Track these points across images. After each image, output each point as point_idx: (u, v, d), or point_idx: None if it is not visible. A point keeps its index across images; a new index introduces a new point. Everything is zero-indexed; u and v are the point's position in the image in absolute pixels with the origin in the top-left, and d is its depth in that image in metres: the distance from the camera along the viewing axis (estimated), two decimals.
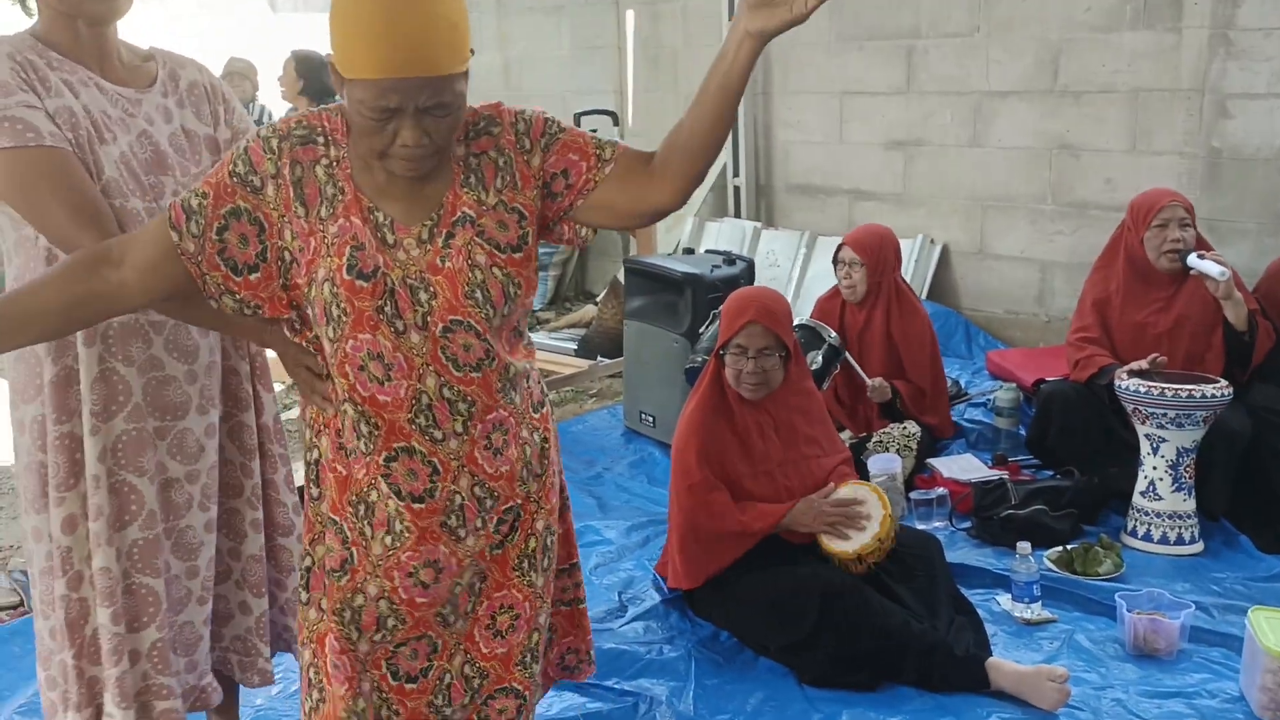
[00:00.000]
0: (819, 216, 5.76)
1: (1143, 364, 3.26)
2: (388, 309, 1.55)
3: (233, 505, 2.04)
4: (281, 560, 2.13)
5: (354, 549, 1.66)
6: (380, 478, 1.63)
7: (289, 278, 1.59)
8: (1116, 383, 3.26)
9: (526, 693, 1.78)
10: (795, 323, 3.80)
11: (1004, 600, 2.97)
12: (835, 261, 3.93)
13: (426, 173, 1.56)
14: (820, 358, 3.64)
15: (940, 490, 3.49)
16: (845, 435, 3.69)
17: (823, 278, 5.30)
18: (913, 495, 3.49)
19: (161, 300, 1.65)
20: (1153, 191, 3.56)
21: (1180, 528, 3.22)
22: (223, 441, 2.00)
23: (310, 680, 1.71)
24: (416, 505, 1.63)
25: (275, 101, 6.59)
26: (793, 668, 2.66)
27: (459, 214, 1.59)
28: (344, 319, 1.56)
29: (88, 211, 1.70)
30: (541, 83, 7.08)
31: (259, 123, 6.60)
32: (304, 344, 1.67)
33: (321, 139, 1.58)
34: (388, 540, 1.65)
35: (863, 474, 3.34)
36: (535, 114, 1.65)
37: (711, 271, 4.07)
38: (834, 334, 3.70)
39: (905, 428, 3.72)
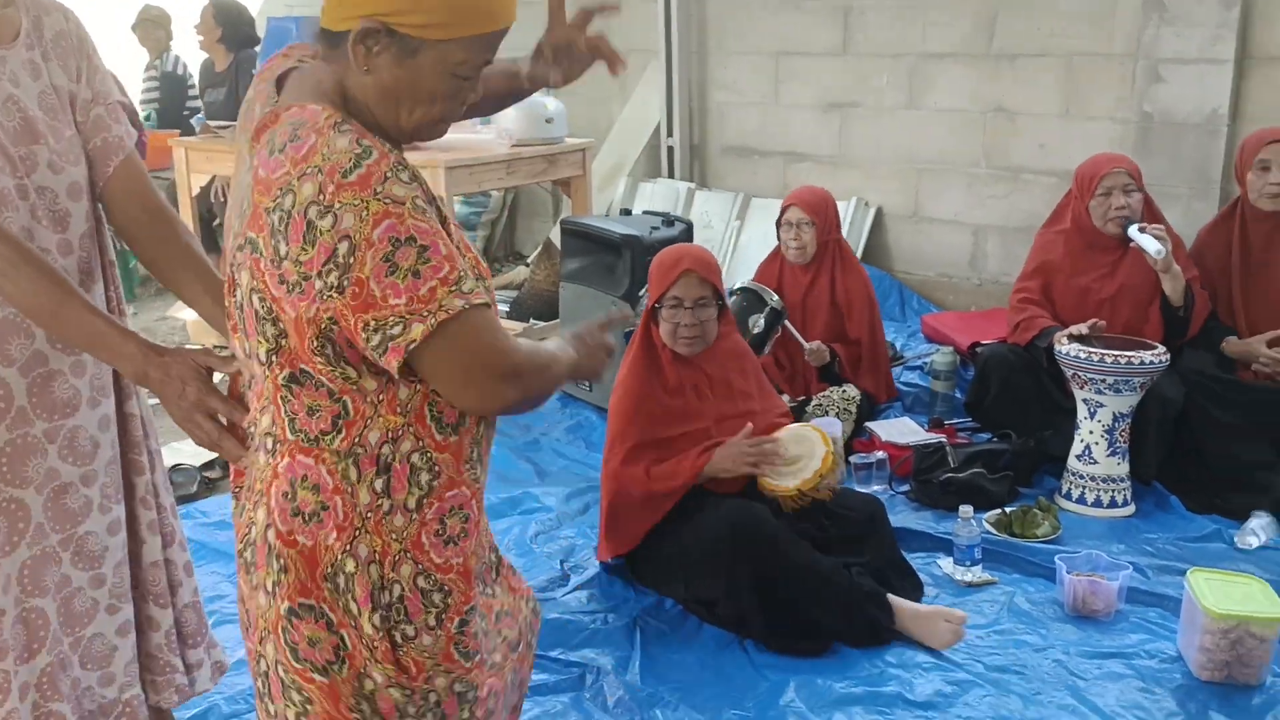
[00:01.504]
0: (753, 178, 5.72)
1: (1082, 328, 3.28)
2: None
3: (128, 507, 1.85)
4: (170, 574, 1.93)
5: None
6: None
7: None
8: (1056, 348, 3.28)
9: None
10: (737, 285, 3.79)
11: (945, 564, 2.98)
12: (780, 224, 3.89)
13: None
14: (763, 321, 3.61)
15: (880, 454, 3.50)
16: (784, 399, 3.67)
17: (758, 240, 5.29)
18: (852, 459, 3.49)
19: None
20: (1098, 158, 3.58)
21: (1114, 491, 3.27)
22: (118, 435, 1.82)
23: None
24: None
25: (191, 51, 6.34)
26: (730, 624, 2.65)
27: None
28: None
29: None
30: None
31: (173, 74, 6.42)
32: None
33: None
34: None
35: None
36: None
37: (650, 233, 4.01)
38: (776, 297, 3.67)
39: (844, 391, 3.72)
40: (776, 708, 2.39)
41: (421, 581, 1.38)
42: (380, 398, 1.33)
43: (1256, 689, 2.41)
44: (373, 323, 1.24)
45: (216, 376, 1.54)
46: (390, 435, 1.34)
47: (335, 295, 1.24)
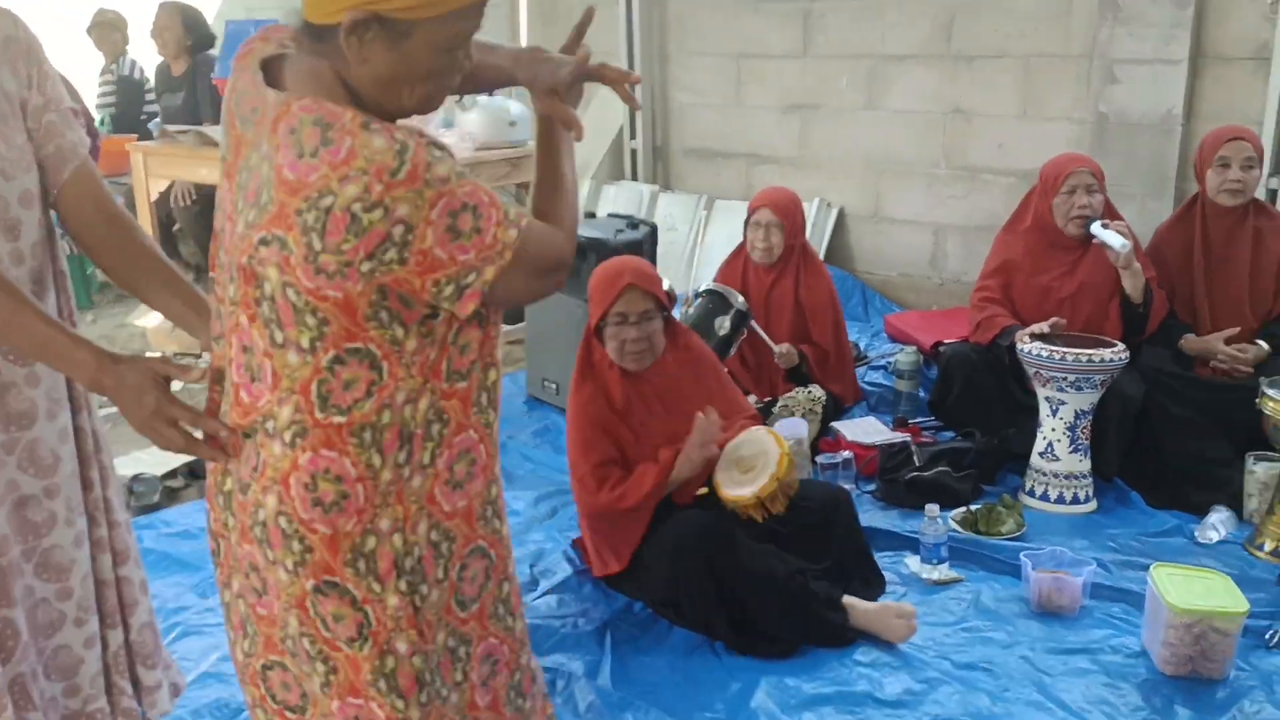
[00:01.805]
0: (716, 180, 5.74)
1: (1043, 327, 3.32)
2: None
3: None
4: (124, 592, 1.87)
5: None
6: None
7: None
8: (1018, 346, 3.32)
9: None
10: (702, 288, 3.80)
11: (912, 562, 3.00)
12: (749, 224, 3.89)
13: None
14: (729, 323, 3.61)
15: (845, 454, 3.51)
16: (750, 399, 3.68)
17: (722, 241, 5.30)
18: (818, 459, 3.50)
19: None
20: (1063, 157, 3.62)
21: (1076, 487, 3.31)
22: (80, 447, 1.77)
23: None
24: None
25: (147, 55, 6.26)
26: (703, 631, 2.65)
27: None
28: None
29: None
30: None
31: (130, 78, 6.34)
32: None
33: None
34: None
35: None
36: None
37: (615, 236, 4.00)
38: (741, 298, 3.68)
39: (810, 392, 3.73)
40: (747, 709, 2.40)
41: (434, 534, 1.46)
42: (414, 359, 1.39)
43: (1220, 683, 2.44)
44: (443, 279, 1.33)
45: (176, 385, 1.52)
46: (412, 395, 1.40)
47: (396, 267, 1.30)
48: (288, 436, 1.38)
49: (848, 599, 2.67)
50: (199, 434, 1.48)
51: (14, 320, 1.53)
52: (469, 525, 1.50)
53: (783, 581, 2.59)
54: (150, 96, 6.35)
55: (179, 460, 3.70)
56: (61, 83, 1.78)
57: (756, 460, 2.68)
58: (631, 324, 2.71)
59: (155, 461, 3.67)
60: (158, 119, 6.09)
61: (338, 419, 1.37)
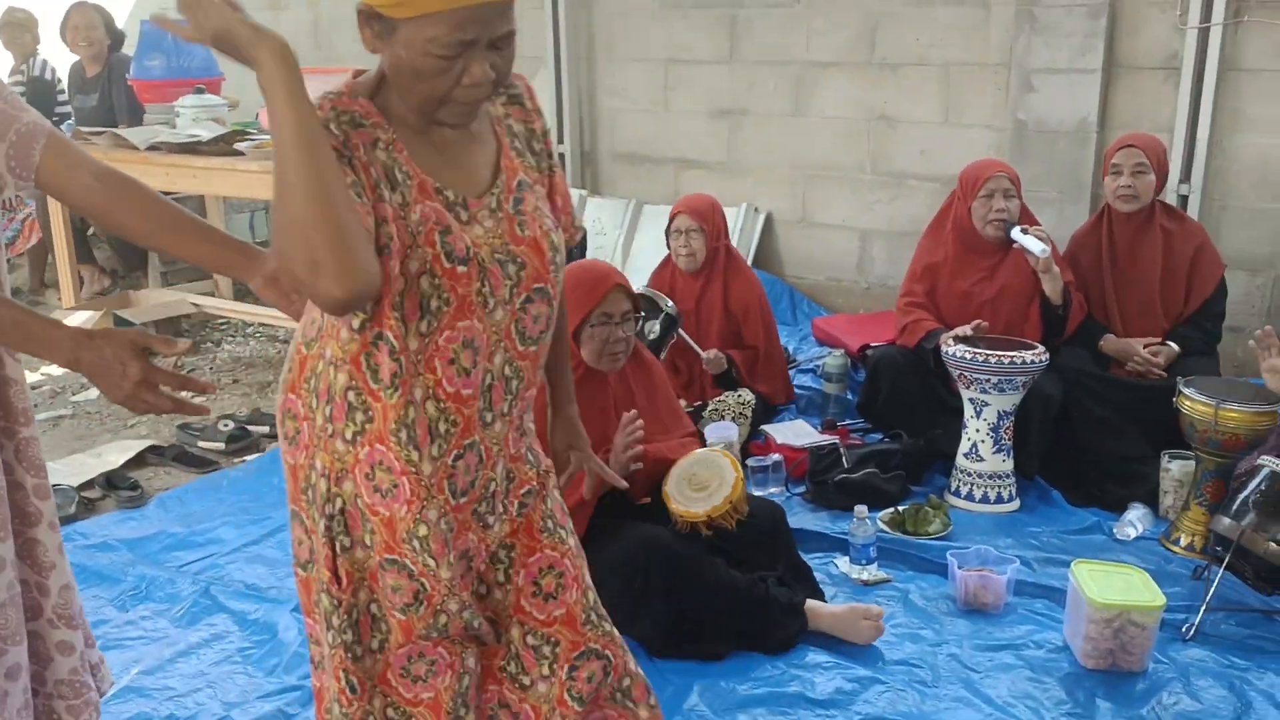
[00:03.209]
0: (645, 185, 5.75)
1: (966, 329, 3.39)
2: (485, 289, 1.46)
3: (30, 535, 1.77)
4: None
5: (424, 580, 1.52)
6: (446, 480, 1.50)
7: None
8: (943, 348, 3.37)
9: (609, 653, 1.67)
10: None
11: (842, 563, 3.04)
12: (670, 232, 3.91)
13: (470, 124, 1.47)
14: (658, 327, 3.63)
15: (775, 457, 3.55)
16: (680, 404, 3.69)
17: (650, 247, 5.31)
18: (749, 462, 3.52)
19: None
20: (982, 162, 3.70)
21: (1000, 487, 3.37)
22: (9, 462, 1.72)
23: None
24: (459, 500, 1.53)
25: (60, 56, 6.10)
26: (640, 640, 2.64)
27: (518, 178, 1.53)
28: (444, 309, 1.43)
29: None
30: (352, 44, 6.76)
31: (41, 79, 6.16)
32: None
33: (366, 121, 1.42)
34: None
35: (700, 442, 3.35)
36: (544, 121, 1.62)
37: None
38: (671, 303, 3.70)
39: (740, 395, 3.76)
40: (681, 711, 2.40)
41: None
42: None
43: (1140, 675, 2.51)
44: None
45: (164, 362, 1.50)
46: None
47: None
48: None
49: (811, 603, 2.68)
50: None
51: None
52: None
53: (745, 588, 2.61)
54: (63, 98, 6.18)
55: (95, 471, 3.61)
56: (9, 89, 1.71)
57: (711, 480, 2.70)
58: (616, 324, 2.72)
59: (71, 472, 3.57)
60: (70, 120, 5.94)
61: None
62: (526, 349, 1.54)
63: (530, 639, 1.65)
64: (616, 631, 1.71)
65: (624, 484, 1.77)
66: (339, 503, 1.51)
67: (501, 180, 1.51)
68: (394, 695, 1.58)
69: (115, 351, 1.49)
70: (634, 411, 2.68)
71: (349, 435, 1.48)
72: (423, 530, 1.50)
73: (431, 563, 1.52)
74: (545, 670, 1.65)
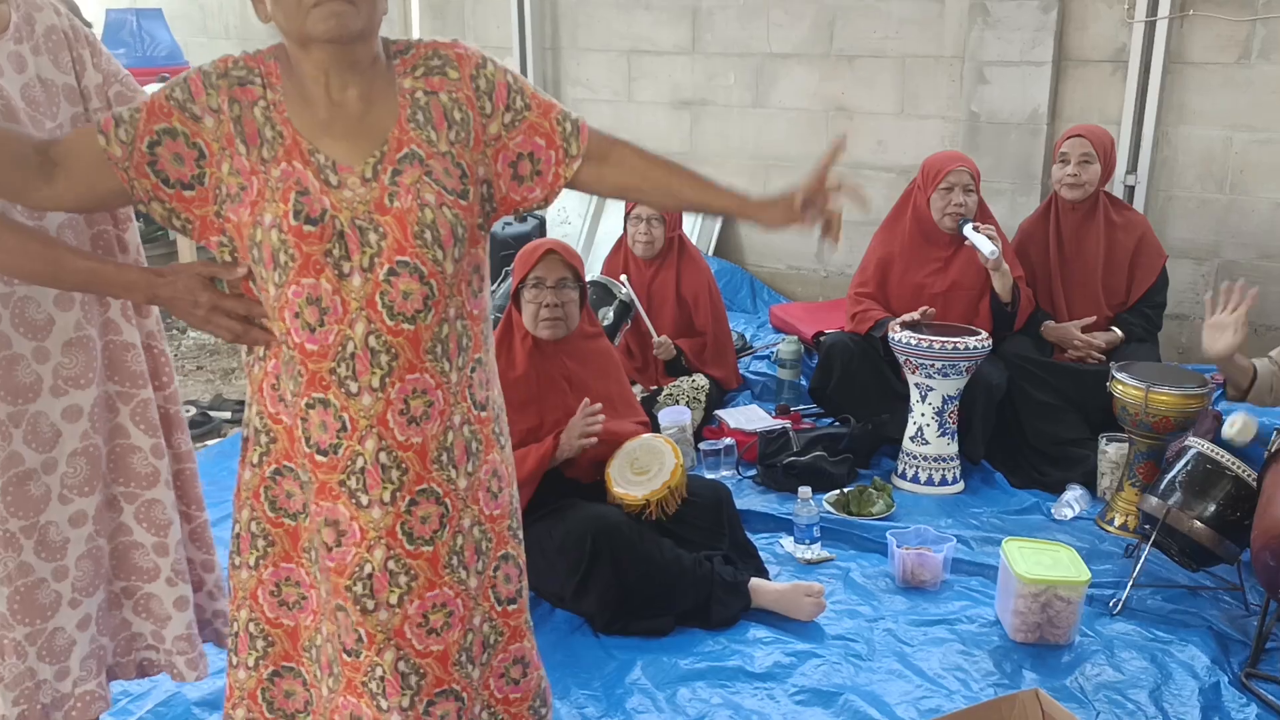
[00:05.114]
0: None
1: (914, 315, 3.47)
2: (336, 252, 1.52)
3: (150, 496, 1.91)
4: (205, 538, 2.07)
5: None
6: (300, 422, 1.59)
7: (223, 210, 1.55)
8: (890, 335, 3.46)
9: (465, 695, 1.72)
10: (587, 279, 3.86)
11: (787, 543, 3.12)
12: (630, 217, 3.98)
13: (353, 39, 1.50)
14: (612, 313, 3.70)
15: (727, 440, 3.63)
16: (636, 389, 3.77)
17: (613, 235, 5.35)
18: (702, 446, 3.61)
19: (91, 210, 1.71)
20: (944, 154, 3.77)
21: (944, 470, 3.47)
22: (123, 425, 1.87)
23: (251, 634, 1.72)
24: (320, 458, 1.59)
25: None
26: (585, 617, 2.72)
27: (405, 150, 1.55)
28: (290, 264, 1.51)
29: None
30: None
31: None
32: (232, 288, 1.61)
33: (259, 80, 1.55)
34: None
35: (654, 427, 3.43)
36: (497, 73, 1.61)
37: (503, 228, 4.06)
38: (625, 289, 3.77)
39: (694, 380, 3.84)
40: (623, 685, 2.48)
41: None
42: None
43: (1066, 648, 2.61)
44: None
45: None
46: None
47: None
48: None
49: (756, 581, 2.77)
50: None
51: (59, 260, 1.61)
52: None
53: (690, 566, 2.69)
54: None
55: None
56: (113, 59, 1.91)
57: (651, 465, 2.79)
58: (549, 288, 2.80)
59: None
60: None
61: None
62: (398, 325, 1.55)
63: (402, 665, 1.66)
64: (476, 674, 1.75)
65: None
66: (254, 409, 1.66)
67: (383, 150, 1.55)
68: (259, 613, 1.71)
69: (186, 284, 1.60)
70: (598, 405, 2.76)
71: (252, 362, 1.66)
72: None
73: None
74: (406, 702, 1.66)
